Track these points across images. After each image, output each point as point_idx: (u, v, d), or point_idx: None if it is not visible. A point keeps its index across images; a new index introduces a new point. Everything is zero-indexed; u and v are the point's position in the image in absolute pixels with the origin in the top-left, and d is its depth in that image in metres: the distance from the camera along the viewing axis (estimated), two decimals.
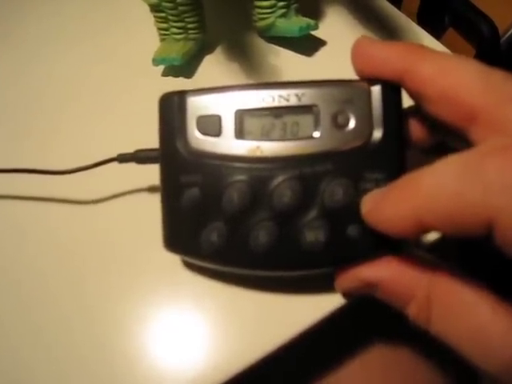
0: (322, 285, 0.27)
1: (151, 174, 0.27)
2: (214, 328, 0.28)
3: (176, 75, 0.39)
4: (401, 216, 0.20)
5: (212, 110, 0.25)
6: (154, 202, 0.26)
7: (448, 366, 0.36)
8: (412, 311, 0.23)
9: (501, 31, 0.54)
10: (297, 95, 0.25)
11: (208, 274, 0.29)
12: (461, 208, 0.18)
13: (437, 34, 0.58)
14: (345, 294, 0.27)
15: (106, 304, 0.29)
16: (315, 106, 0.25)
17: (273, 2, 0.37)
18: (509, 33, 0.55)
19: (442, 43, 0.41)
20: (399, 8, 0.59)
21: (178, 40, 0.38)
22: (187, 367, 0.27)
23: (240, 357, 0.27)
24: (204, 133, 0.25)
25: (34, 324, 0.28)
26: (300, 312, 0.27)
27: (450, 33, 0.58)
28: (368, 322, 0.36)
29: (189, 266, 0.29)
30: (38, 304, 0.29)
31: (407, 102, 0.25)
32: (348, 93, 0.25)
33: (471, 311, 0.21)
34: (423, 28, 0.53)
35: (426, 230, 0.20)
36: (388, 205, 0.21)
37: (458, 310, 0.21)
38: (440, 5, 0.56)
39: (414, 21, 0.41)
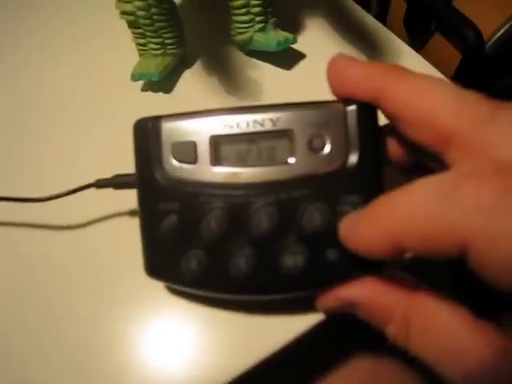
0: (301, 302, 0.27)
1: (130, 198, 0.27)
2: (196, 344, 0.28)
3: (155, 90, 0.39)
4: (376, 237, 0.20)
5: (187, 136, 0.25)
6: (134, 228, 0.26)
7: (429, 379, 0.36)
8: (391, 331, 0.23)
9: (486, 37, 0.55)
10: (271, 120, 0.25)
11: (189, 296, 0.29)
12: (436, 229, 0.18)
13: (423, 39, 0.59)
14: (326, 313, 0.28)
15: (89, 328, 0.29)
16: (290, 130, 0.25)
17: (251, 16, 0.37)
18: (494, 38, 0.56)
19: (428, 48, 0.41)
20: (385, 14, 0.59)
21: (157, 55, 0.38)
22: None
23: (222, 372, 0.27)
24: (180, 160, 0.25)
25: (23, 344, 0.29)
26: (280, 327, 0.28)
27: (436, 38, 0.58)
28: (349, 333, 0.36)
29: (170, 288, 0.29)
30: (19, 328, 0.29)
31: (384, 119, 0.25)
32: (323, 115, 0.25)
33: (449, 332, 0.21)
34: (409, 34, 0.53)
35: (402, 251, 0.20)
36: (363, 226, 0.21)
37: (436, 330, 0.21)
38: (426, 11, 0.57)
39: (400, 26, 0.41)
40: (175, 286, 0.28)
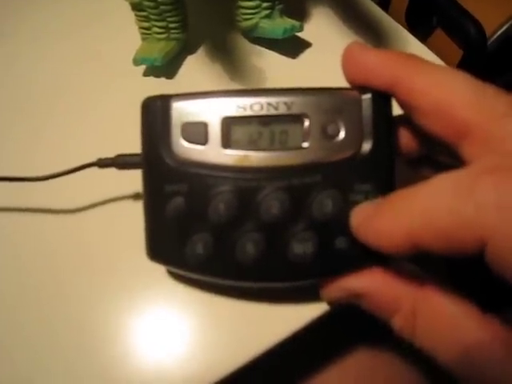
0: (305, 293, 0.28)
1: (133, 179, 0.27)
2: (196, 335, 0.28)
3: (157, 75, 0.39)
4: (394, 233, 0.20)
5: (198, 117, 0.25)
6: (136, 209, 0.26)
7: (429, 373, 0.37)
8: (397, 323, 0.23)
9: (488, 33, 0.55)
10: (286, 104, 0.25)
11: (191, 282, 0.29)
12: (454, 226, 0.18)
13: (424, 34, 0.59)
14: (330, 303, 0.28)
15: (89, 311, 0.29)
16: (305, 115, 0.25)
17: (257, 2, 0.37)
18: (496, 34, 0.56)
19: (429, 43, 0.42)
20: (387, 8, 0.59)
21: (160, 40, 0.38)
22: (168, 374, 0.27)
23: (220, 364, 0.27)
24: (189, 141, 0.25)
25: (15, 333, 0.28)
26: (283, 318, 0.28)
27: (438, 33, 0.59)
28: (348, 326, 0.36)
29: (172, 273, 0.29)
30: (19, 312, 0.29)
31: (396, 110, 0.25)
32: (338, 102, 0.25)
33: (455, 325, 0.21)
34: (411, 28, 0.53)
35: (419, 249, 0.20)
36: (381, 221, 0.21)
37: (443, 323, 0.22)
38: (428, 6, 0.57)
39: (402, 20, 0.42)
40: (178, 271, 0.27)
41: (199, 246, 0.25)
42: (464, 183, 0.19)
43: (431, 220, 0.19)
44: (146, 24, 0.38)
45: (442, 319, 0.22)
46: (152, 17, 0.37)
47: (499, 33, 0.56)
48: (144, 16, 0.37)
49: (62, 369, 0.27)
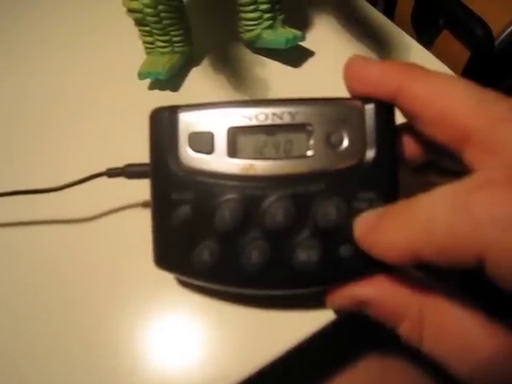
0: (312, 301, 0.29)
1: (142, 188, 0.28)
2: (204, 344, 0.29)
3: (162, 88, 0.41)
4: (395, 246, 0.21)
5: (204, 127, 0.26)
6: (145, 218, 0.27)
7: (439, 379, 0.38)
8: (404, 330, 0.24)
9: (495, 33, 0.57)
10: (290, 113, 0.26)
11: (198, 291, 0.30)
12: (452, 242, 0.19)
13: (431, 37, 0.60)
14: (336, 311, 0.29)
15: (98, 320, 0.30)
16: (309, 124, 0.26)
17: (259, 13, 0.39)
18: (503, 35, 0.57)
19: (436, 46, 0.42)
20: (392, 12, 0.61)
21: (164, 53, 0.40)
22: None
23: (228, 373, 0.28)
24: (196, 150, 0.26)
25: (26, 342, 0.30)
26: (289, 328, 0.29)
27: (444, 36, 0.60)
28: (357, 333, 0.37)
29: (180, 282, 0.31)
30: (29, 322, 0.30)
31: (400, 118, 0.26)
32: (342, 112, 0.26)
33: (462, 332, 0.22)
34: (417, 31, 0.54)
35: (421, 262, 0.21)
36: (383, 233, 0.22)
37: (450, 330, 0.23)
38: (434, 7, 0.58)
39: (408, 24, 0.43)
40: (185, 279, 0.29)
41: (205, 253, 0.26)
42: (461, 198, 0.20)
43: (431, 236, 0.20)
44: (149, 38, 0.40)
45: (449, 326, 0.23)
46: (155, 31, 0.39)
47: (507, 32, 0.57)
48: (147, 31, 0.39)
49: (69, 379, 0.28)
